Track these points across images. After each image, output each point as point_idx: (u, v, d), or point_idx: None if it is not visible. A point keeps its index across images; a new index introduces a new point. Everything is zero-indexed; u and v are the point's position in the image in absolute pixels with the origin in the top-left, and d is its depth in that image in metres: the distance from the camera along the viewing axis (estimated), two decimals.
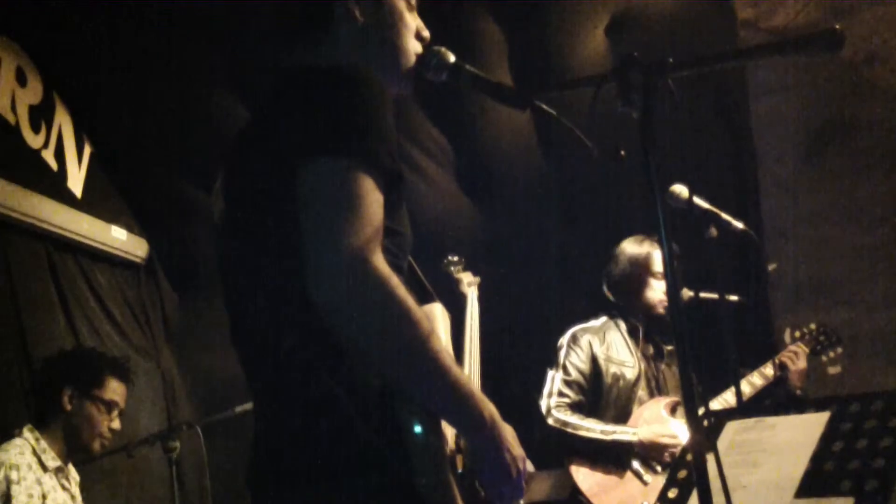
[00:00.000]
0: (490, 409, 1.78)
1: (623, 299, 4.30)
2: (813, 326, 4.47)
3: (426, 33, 2.11)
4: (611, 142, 1.81)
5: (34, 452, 3.55)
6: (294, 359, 1.81)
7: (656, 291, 4.17)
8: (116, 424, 3.78)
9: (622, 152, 1.78)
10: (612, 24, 5.24)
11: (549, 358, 4.27)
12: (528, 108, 2.05)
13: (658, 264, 4.13)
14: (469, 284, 4.41)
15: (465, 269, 4.51)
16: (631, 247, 4.28)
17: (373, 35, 2.04)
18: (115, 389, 3.76)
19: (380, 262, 1.69)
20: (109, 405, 3.74)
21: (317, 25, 2.05)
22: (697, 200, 3.06)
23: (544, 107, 2.04)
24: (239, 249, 1.96)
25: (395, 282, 1.69)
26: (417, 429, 1.77)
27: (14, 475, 3.43)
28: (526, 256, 5.64)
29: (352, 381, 1.76)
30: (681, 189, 3.24)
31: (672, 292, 1.74)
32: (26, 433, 3.58)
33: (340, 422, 1.75)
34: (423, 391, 1.76)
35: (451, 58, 2.08)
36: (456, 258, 4.54)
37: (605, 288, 4.36)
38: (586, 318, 4.34)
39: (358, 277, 1.66)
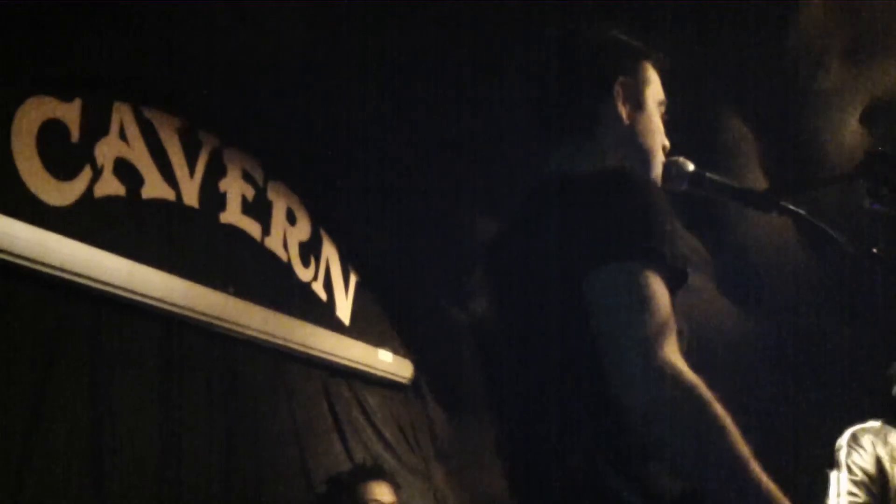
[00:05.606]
0: None
1: None
2: None
3: (667, 142, 2.09)
4: (868, 237, 1.73)
5: None
6: (581, 469, 1.77)
7: None
8: None
9: (875, 249, 1.70)
10: (867, 111, 5.02)
11: (824, 460, 4.02)
12: (774, 210, 1.99)
13: None
14: None
15: None
16: None
17: (632, 138, 2.03)
18: (381, 492, 3.83)
19: (685, 364, 1.64)
20: None
21: (583, 129, 2.03)
22: None
23: (791, 207, 1.97)
24: (516, 359, 1.94)
25: (704, 386, 1.63)
26: None
27: None
28: (798, 358, 5.39)
29: (645, 488, 1.72)
30: None
31: None
32: None
33: None
34: (733, 498, 1.65)
35: (690, 166, 2.05)
36: None
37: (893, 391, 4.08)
38: (862, 419, 4.07)
39: (670, 381, 1.61)
